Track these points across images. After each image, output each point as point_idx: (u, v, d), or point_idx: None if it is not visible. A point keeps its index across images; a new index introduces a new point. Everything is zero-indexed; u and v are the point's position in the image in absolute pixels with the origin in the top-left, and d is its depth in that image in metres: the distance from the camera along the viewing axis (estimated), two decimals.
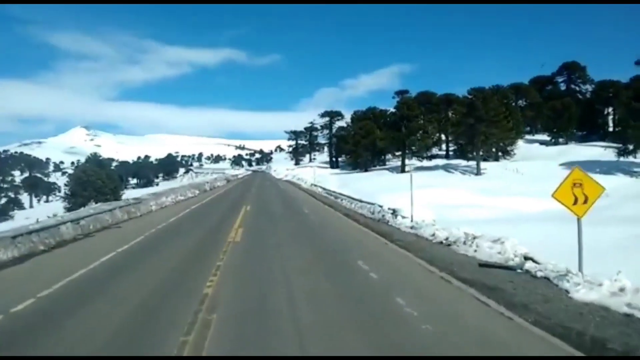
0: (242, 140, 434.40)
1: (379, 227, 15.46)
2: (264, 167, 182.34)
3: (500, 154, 60.68)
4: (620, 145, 62.67)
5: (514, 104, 78.24)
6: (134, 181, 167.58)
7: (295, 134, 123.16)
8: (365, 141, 64.11)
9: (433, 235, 12.99)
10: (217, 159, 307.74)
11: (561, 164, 52.18)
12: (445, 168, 57.21)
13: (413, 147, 58.06)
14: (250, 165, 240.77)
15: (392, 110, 63.88)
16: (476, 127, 50.80)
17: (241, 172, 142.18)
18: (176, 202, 26.51)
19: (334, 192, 32.09)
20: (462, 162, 60.49)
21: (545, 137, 76.94)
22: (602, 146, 65.58)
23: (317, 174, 61.79)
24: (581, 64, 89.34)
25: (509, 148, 58.11)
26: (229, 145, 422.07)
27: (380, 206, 19.27)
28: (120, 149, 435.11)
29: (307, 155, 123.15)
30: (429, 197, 36.99)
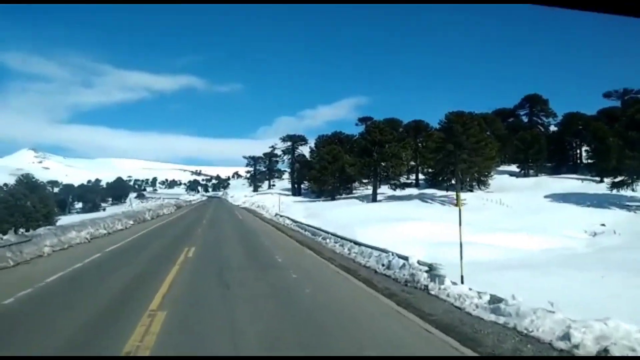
0: (198, 166, 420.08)
1: (427, 307, 8.30)
2: (220, 193, 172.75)
3: (474, 184, 55.52)
4: (594, 176, 59.92)
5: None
6: (79, 205, 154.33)
7: (253, 160, 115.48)
8: (332, 167, 57.45)
9: (555, 334, 6.03)
10: (172, 184, 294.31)
11: (546, 197, 47.36)
12: (421, 198, 51.16)
13: (387, 174, 51.79)
14: (206, 191, 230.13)
15: (361, 135, 57.79)
16: (456, 154, 45.22)
17: (196, 197, 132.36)
18: (91, 240, 18.39)
19: (307, 225, 24.83)
20: (438, 192, 54.74)
21: (513, 168, 73.33)
22: (576, 178, 62.19)
23: (282, 201, 54.28)
24: (543, 96, 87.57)
25: (483, 178, 52.86)
26: (184, 170, 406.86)
27: (396, 255, 12.22)
28: (70, 172, 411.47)
29: (266, 182, 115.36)
30: (414, 231, 30.77)
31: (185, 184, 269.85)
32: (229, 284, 9.61)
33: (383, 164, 50.65)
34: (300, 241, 19.10)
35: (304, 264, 13.48)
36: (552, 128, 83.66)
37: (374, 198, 53.00)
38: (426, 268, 10.35)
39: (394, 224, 32.52)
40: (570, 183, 58.94)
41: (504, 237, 29.94)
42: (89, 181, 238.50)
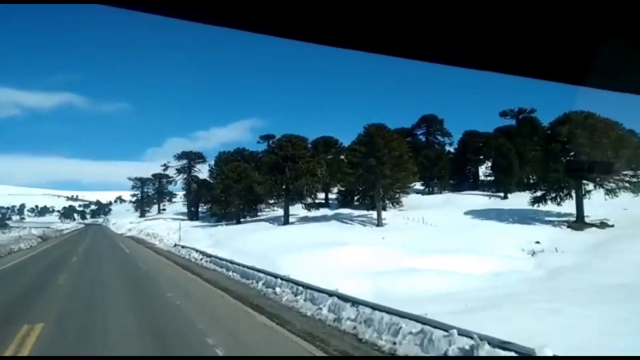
0: (75, 190, 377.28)
1: None
2: (100, 220, 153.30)
3: (386, 202, 51.68)
4: (495, 192, 60.32)
5: None
6: None
7: (141, 182, 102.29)
8: (237, 186, 49.79)
9: None
10: (43, 211, 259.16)
11: (466, 213, 44.78)
12: (338, 219, 45.74)
13: (300, 193, 45.58)
14: (83, 218, 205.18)
15: (270, 150, 51.23)
16: (377, 169, 40.72)
17: (71, 226, 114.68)
18: None
19: (227, 260, 17.53)
20: (354, 212, 49.89)
21: (416, 186, 71.98)
22: (480, 194, 61.89)
23: (176, 227, 45.28)
24: (439, 117, 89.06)
25: (396, 196, 49.12)
26: (59, 196, 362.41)
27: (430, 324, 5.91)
28: None
29: (155, 206, 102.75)
30: (344, 259, 25.02)
31: (59, 210, 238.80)
32: None
33: (297, 182, 44.48)
34: (236, 294, 11.83)
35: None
36: (448, 147, 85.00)
37: (286, 220, 46.46)
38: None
39: (320, 251, 26.46)
40: (477, 200, 57.97)
41: (444, 260, 25.51)
42: None
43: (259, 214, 58.25)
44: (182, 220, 61.72)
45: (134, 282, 14.47)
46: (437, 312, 9.71)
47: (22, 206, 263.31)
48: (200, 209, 69.63)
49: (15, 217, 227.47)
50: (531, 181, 51.20)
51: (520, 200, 53.32)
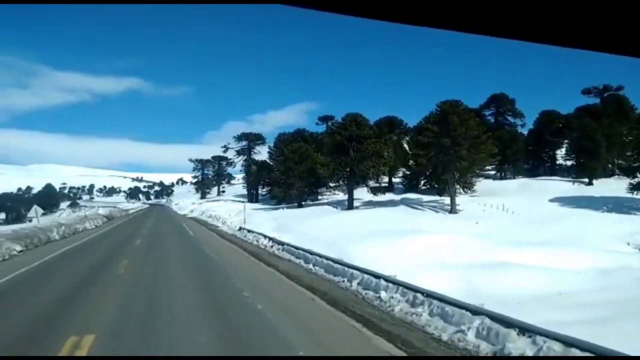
0: (140, 172, 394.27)
1: None
2: (163, 201, 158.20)
3: (456, 188, 47.78)
4: (576, 178, 54.56)
5: None
6: (1, 216, 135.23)
7: (201, 164, 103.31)
8: (299, 168, 47.77)
9: None
10: (111, 191, 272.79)
11: (552, 201, 40.27)
12: (407, 204, 42.62)
13: (365, 176, 42.82)
14: (148, 198, 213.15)
15: (332, 130, 48.56)
16: (452, 151, 37.14)
17: (136, 206, 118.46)
18: None
19: (305, 251, 15.18)
20: (423, 197, 46.57)
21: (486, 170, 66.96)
22: (562, 180, 56.36)
23: (239, 209, 44.00)
24: (509, 96, 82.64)
25: (471, 180, 45.07)
26: (125, 177, 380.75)
27: None
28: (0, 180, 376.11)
29: (215, 188, 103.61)
30: (421, 249, 21.70)
31: (125, 191, 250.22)
32: None
33: (362, 164, 41.67)
34: (329, 297, 9.35)
35: None
36: (519, 129, 78.90)
37: (350, 204, 43.91)
38: None
39: (394, 239, 23.47)
40: (559, 185, 52.81)
41: (535, 254, 21.71)
42: (19, 189, 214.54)
43: (319, 197, 56.16)
44: (242, 202, 60.84)
45: (202, 275, 12.41)
46: (552, 320, 6.97)
47: (92, 186, 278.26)
48: (259, 192, 68.61)
49: (86, 197, 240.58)
50: (622, 165, 45.75)
51: (608, 186, 47.76)
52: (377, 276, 9.52)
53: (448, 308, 7.17)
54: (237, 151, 72.12)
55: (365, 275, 9.96)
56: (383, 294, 8.84)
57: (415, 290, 8.19)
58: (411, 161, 44.43)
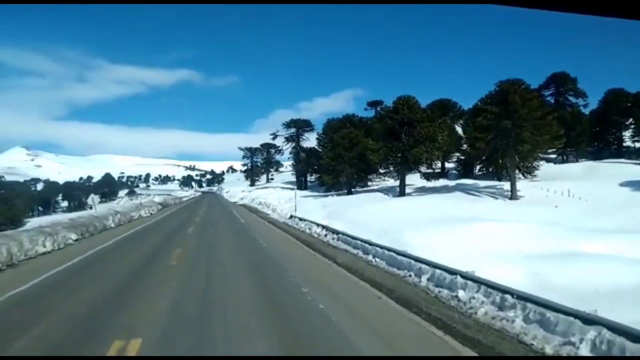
0: (192, 161, 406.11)
1: None
2: (214, 189, 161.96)
3: (516, 172, 45.01)
4: None
5: None
6: (64, 204, 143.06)
7: (250, 151, 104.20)
8: (349, 154, 46.61)
9: None
10: (166, 179, 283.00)
11: (622, 185, 37.03)
12: (462, 190, 40.60)
13: (418, 161, 41.10)
14: (200, 186, 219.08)
15: (382, 114, 46.90)
16: (513, 133, 34.74)
17: (189, 193, 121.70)
18: None
19: (364, 241, 14.17)
20: (479, 182, 44.27)
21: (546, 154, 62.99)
22: (631, 163, 52.10)
23: (288, 196, 43.55)
24: (571, 75, 77.30)
25: (534, 164, 42.22)
26: (178, 166, 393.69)
27: None
28: (63, 170, 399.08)
29: (264, 176, 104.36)
30: (482, 237, 19.98)
31: (178, 179, 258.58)
32: None
33: (415, 148, 39.93)
34: (397, 295, 8.32)
35: None
36: (582, 110, 73.78)
37: (402, 191, 42.36)
38: None
39: (451, 227, 21.88)
40: (629, 169, 48.65)
41: (610, 242, 19.50)
42: (81, 178, 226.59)
43: (369, 183, 54.83)
44: (291, 189, 60.56)
45: (257, 267, 11.68)
46: None
47: (148, 175, 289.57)
48: (308, 179, 68.11)
49: (142, 185, 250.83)
50: None
51: None
52: (452, 272, 8.37)
53: (549, 314, 5.95)
54: (285, 138, 71.93)
55: (437, 271, 8.83)
56: (461, 293, 7.70)
57: (504, 290, 6.98)
58: (465, 145, 42.10)
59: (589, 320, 5.51)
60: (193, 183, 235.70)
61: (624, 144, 62.13)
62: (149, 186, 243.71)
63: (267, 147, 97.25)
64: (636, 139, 57.76)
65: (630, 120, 57.49)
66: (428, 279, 8.95)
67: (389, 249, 11.65)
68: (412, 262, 9.98)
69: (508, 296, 6.83)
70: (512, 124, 34.42)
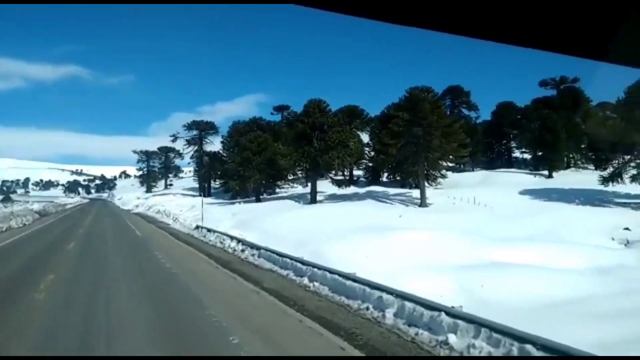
0: (79, 165, 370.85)
1: None
2: (105, 195, 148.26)
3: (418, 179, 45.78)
4: (535, 170, 54.50)
5: None
6: None
7: (146, 155, 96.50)
8: (258, 159, 43.89)
9: None
10: (48, 185, 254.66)
11: (522, 193, 38.94)
12: (374, 197, 40.08)
13: (334, 167, 39.80)
14: (88, 192, 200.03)
15: (291, 118, 45.08)
16: (423, 140, 34.88)
17: (75, 200, 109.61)
18: None
19: (285, 255, 11.87)
20: (389, 190, 44.15)
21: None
22: (522, 172, 56.02)
23: (191, 204, 39.79)
24: (464, 88, 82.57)
25: (442, 172, 43.27)
26: (63, 170, 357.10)
27: None
28: None
29: (162, 181, 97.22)
30: (404, 247, 19.15)
31: (63, 185, 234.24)
32: None
33: (327, 154, 38.54)
34: (363, 343, 6.13)
35: None
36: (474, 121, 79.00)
37: (313, 198, 40.76)
38: None
39: (371, 237, 20.74)
40: (520, 178, 52.33)
41: (525, 252, 19.92)
42: None
43: (277, 190, 52.60)
44: (193, 196, 56.09)
45: (160, 299, 8.74)
46: (590, 339, 4.42)
47: (27, 180, 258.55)
48: (212, 185, 63.87)
49: (20, 191, 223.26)
50: (592, 156, 45.53)
51: (567, 178, 47.45)
52: (432, 307, 6.37)
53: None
54: (187, 141, 66.82)
55: (407, 303, 6.79)
56: (452, 338, 5.72)
57: (517, 337, 5.11)
58: (373, 152, 41.77)
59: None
60: (80, 189, 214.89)
61: (514, 155, 67.22)
62: (28, 192, 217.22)
63: (165, 150, 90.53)
64: (523, 150, 62.44)
65: (519, 132, 62.12)
66: (395, 315, 6.89)
67: (330, 271, 9.46)
68: (367, 289, 7.88)
69: (528, 346, 4.96)
70: (422, 131, 34.49)
